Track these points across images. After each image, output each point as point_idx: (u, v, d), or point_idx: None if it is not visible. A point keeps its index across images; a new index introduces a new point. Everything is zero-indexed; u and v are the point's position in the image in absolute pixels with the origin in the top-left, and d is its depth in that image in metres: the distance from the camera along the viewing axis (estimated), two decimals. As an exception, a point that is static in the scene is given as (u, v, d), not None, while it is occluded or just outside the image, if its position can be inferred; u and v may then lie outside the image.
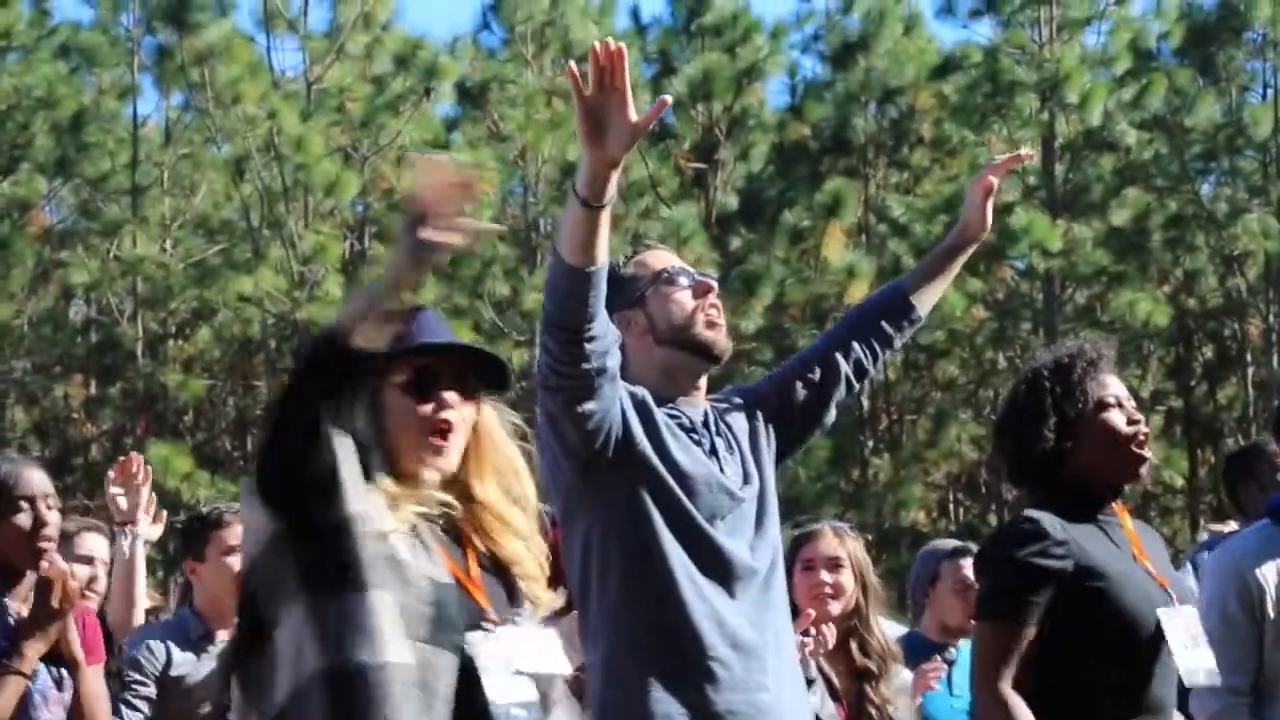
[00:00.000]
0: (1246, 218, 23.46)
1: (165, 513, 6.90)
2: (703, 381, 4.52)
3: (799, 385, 4.60)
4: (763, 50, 24.30)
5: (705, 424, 4.44)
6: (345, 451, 3.35)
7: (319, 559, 3.32)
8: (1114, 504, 4.54)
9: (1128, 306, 23.14)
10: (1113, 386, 4.52)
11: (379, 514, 3.38)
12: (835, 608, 5.74)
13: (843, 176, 24.03)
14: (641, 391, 4.33)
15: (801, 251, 23.54)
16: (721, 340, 4.48)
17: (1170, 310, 23.54)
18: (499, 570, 3.52)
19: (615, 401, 4.22)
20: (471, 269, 23.62)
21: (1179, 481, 24.82)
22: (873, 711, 5.71)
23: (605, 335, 4.12)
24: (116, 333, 24.22)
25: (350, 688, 3.26)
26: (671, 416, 4.37)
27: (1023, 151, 5.07)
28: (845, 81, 24.29)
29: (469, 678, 3.35)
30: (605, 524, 4.29)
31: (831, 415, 4.68)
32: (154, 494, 6.69)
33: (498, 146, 24.07)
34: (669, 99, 3.98)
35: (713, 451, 4.40)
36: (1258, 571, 5.34)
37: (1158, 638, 4.36)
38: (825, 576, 5.76)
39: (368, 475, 3.41)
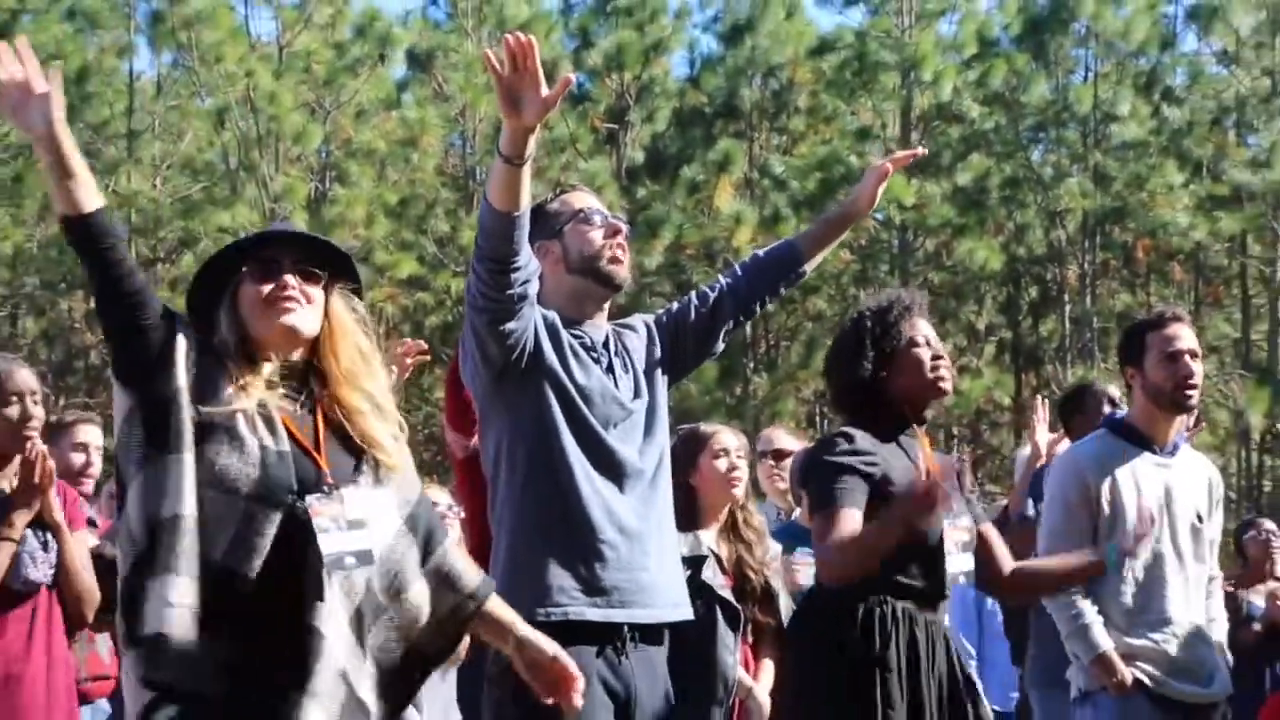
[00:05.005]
0: (1069, 180, 23.63)
1: None
2: (605, 307, 4.50)
3: (695, 319, 4.57)
4: (667, 29, 24.25)
5: (605, 345, 4.42)
6: (182, 339, 3.38)
7: (154, 426, 3.31)
8: (919, 430, 4.62)
9: (968, 253, 23.28)
10: (922, 329, 4.62)
11: (228, 395, 3.36)
12: (741, 490, 5.84)
13: (732, 138, 24.02)
14: (552, 315, 4.32)
15: (697, 201, 23.55)
16: (622, 273, 4.45)
17: (1003, 257, 23.68)
18: (348, 440, 3.48)
19: (531, 322, 4.21)
20: (417, 209, 23.58)
21: (1007, 401, 25.05)
22: (752, 575, 5.80)
23: (527, 266, 4.10)
24: (113, 256, 24.01)
25: (156, 533, 3.27)
26: (576, 337, 4.35)
27: (918, 150, 5.14)
28: (735, 57, 24.25)
29: (305, 531, 3.34)
30: (515, 424, 4.27)
31: (720, 345, 4.67)
32: None
33: (442, 105, 24.01)
34: (572, 78, 3.96)
35: (609, 369, 4.38)
36: (1095, 473, 5.43)
37: (939, 544, 4.45)
38: (737, 460, 5.82)
39: (223, 363, 3.41)
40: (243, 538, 3.29)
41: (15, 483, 5.04)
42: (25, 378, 5.09)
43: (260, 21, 24.01)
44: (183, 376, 3.35)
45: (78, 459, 6.04)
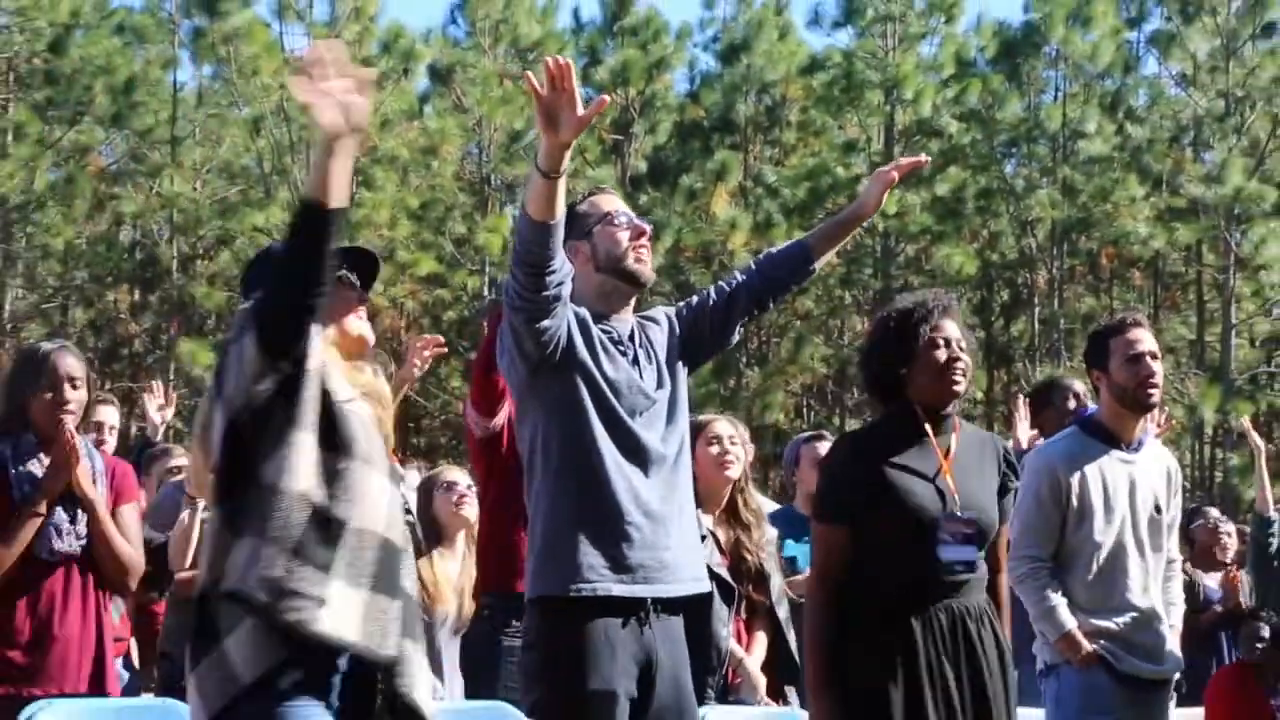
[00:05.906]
0: (1039, 192, 23.67)
1: (175, 394, 6.79)
2: (631, 303, 4.46)
3: (712, 311, 4.53)
4: (669, 48, 24.28)
5: (631, 338, 4.38)
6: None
7: (295, 401, 3.32)
8: (953, 419, 4.51)
9: (945, 258, 23.32)
10: (946, 330, 4.46)
11: (340, 383, 3.43)
12: (735, 472, 5.79)
13: (728, 150, 24.02)
14: (583, 312, 4.28)
15: (695, 207, 23.55)
16: (646, 272, 4.41)
17: (977, 262, 23.71)
18: None
19: (565, 320, 4.18)
20: (437, 212, 23.59)
21: (980, 396, 25.07)
22: (748, 556, 5.79)
23: (561, 269, 4.07)
24: (156, 252, 24.10)
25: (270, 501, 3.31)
26: (604, 332, 4.31)
27: (921, 157, 5.04)
28: (731, 74, 24.26)
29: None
30: (549, 415, 4.24)
31: (735, 337, 4.63)
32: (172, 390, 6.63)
33: (460, 116, 23.99)
34: (607, 99, 3.95)
35: (635, 361, 4.34)
36: (1066, 470, 5.42)
37: (932, 529, 4.33)
38: (729, 446, 5.80)
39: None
40: (379, 508, 3.41)
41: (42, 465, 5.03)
42: (73, 364, 5.06)
43: (293, 37, 23.96)
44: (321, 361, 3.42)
45: (91, 436, 6.04)
